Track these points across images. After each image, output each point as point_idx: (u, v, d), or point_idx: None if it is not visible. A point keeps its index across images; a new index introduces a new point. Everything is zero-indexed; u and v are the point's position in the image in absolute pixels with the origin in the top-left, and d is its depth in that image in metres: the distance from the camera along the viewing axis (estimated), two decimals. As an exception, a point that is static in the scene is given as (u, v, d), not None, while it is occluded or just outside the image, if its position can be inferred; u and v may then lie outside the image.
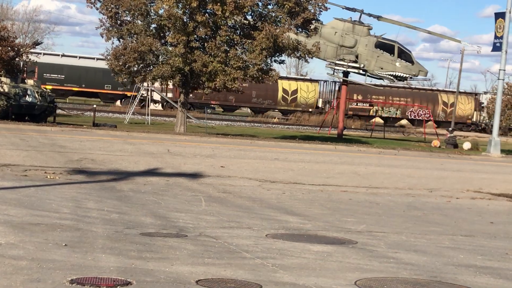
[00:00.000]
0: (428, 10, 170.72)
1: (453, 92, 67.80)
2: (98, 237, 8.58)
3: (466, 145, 39.30)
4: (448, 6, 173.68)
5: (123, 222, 9.80)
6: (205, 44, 29.48)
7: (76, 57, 62.87)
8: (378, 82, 53.47)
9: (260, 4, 30.23)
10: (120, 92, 61.32)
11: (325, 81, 68.98)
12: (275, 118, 64.11)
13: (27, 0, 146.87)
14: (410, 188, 17.33)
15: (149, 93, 50.18)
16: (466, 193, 17.42)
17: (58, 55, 63.09)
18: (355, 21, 42.08)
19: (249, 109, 68.96)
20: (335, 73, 43.81)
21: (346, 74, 43.04)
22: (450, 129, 44.58)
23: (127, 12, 29.79)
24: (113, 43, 30.44)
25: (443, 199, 16.10)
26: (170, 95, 59.07)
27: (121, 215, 10.34)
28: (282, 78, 58.02)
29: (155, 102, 60.65)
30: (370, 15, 41.95)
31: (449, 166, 24.23)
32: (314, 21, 31.78)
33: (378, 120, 63.22)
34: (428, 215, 13.35)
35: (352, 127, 60.44)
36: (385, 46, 42.49)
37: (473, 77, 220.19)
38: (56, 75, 61.06)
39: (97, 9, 30.07)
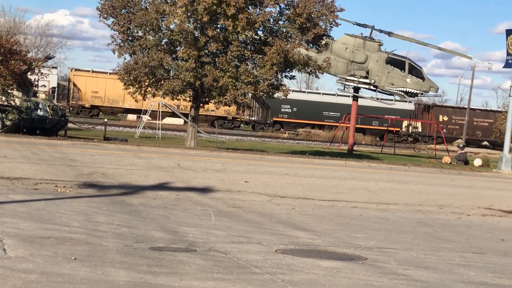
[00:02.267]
0: (440, 27, 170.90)
1: None
2: (108, 251, 8.58)
3: (477, 162, 39.16)
4: (460, 22, 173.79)
5: (133, 236, 9.81)
6: (216, 59, 29.56)
7: (334, 94, 66.11)
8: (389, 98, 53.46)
9: (271, 19, 30.31)
10: (384, 128, 63.82)
11: None
12: (285, 133, 64.16)
13: (40, 15, 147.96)
14: (420, 204, 17.27)
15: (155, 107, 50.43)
16: (477, 209, 17.35)
17: (319, 93, 69.57)
18: (366, 37, 42.08)
19: (487, 143, 71.30)
20: (345, 89, 43.79)
21: (356, 89, 43.01)
22: (461, 145, 44.43)
23: (139, 28, 29.92)
24: (125, 58, 30.60)
25: (453, 215, 16.03)
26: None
27: (131, 229, 10.34)
28: None
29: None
30: (381, 31, 41.95)
31: (460, 182, 24.15)
32: (325, 36, 31.80)
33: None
34: (438, 231, 13.29)
35: (363, 142, 60.35)
36: (395, 62, 42.44)
37: (485, 94, 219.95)
38: (334, 112, 65.11)
39: (108, 26, 30.24)
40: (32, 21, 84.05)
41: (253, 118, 69.88)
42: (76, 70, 63.69)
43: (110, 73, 57.43)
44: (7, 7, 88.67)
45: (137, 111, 62.36)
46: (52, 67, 63.04)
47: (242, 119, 67.43)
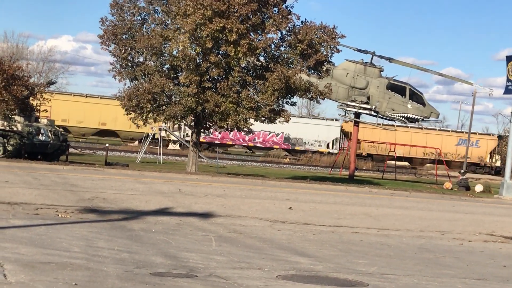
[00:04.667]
0: (442, 53, 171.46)
1: None
2: (108, 276, 8.55)
3: (478, 188, 39.11)
4: (462, 49, 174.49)
5: (134, 261, 9.78)
6: (218, 85, 29.69)
7: None
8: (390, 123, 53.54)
9: (272, 45, 30.48)
10: None
11: None
12: (286, 158, 64.18)
13: (43, 40, 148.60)
14: (421, 230, 17.22)
15: (162, 132, 50.73)
16: (478, 236, 17.29)
17: None
18: (366, 63, 42.26)
19: None
20: (346, 114, 43.91)
21: (357, 115, 43.13)
22: (462, 171, 44.41)
23: (141, 53, 30.10)
24: (125, 84, 30.74)
25: (455, 241, 15.98)
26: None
27: (131, 255, 10.32)
28: None
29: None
30: (381, 57, 42.14)
31: (461, 208, 24.10)
32: (326, 62, 31.96)
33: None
34: (440, 257, 13.25)
35: (364, 168, 60.33)
36: (396, 88, 42.59)
37: (486, 120, 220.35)
38: None
39: (110, 52, 30.41)
40: (35, 46, 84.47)
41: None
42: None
43: (381, 124, 62.90)
44: (10, 33, 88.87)
45: (404, 159, 66.05)
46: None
47: (492, 165, 68.17)
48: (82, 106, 61.41)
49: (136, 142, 63.79)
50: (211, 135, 62.60)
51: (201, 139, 62.06)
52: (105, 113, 62.05)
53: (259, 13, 29.25)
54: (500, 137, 71.14)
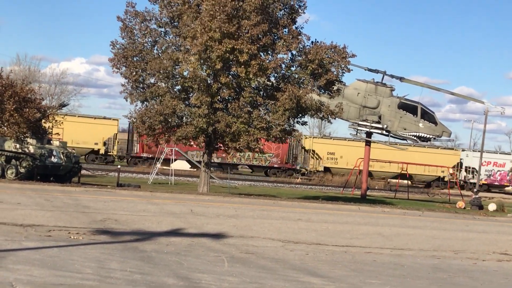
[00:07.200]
0: (455, 72, 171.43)
1: None
2: (120, 298, 8.54)
3: (492, 207, 38.88)
4: (474, 67, 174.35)
5: (146, 282, 9.77)
6: (229, 105, 29.74)
7: None
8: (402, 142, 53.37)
9: (283, 66, 30.53)
10: None
11: None
12: (298, 178, 64.07)
13: (56, 63, 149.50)
14: (435, 250, 17.13)
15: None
16: (492, 255, 17.18)
17: None
18: (377, 82, 42.26)
19: None
20: (358, 134, 43.84)
21: (369, 134, 43.08)
22: (475, 190, 44.17)
23: (151, 75, 30.22)
24: (136, 105, 30.83)
25: (469, 261, 15.88)
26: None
27: (143, 276, 10.31)
28: None
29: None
30: (392, 76, 42.13)
31: (475, 227, 23.96)
32: (337, 82, 31.96)
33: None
34: (453, 277, 13.16)
35: (376, 187, 60.12)
36: (408, 107, 42.54)
37: (499, 138, 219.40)
38: None
39: (121, 74, 30.56)
40: (47, 69, 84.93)
41: None
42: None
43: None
44: (22, 56, 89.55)
45: None
46: None
47: None
48: (382, 152, 61.63)
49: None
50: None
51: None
52: (406, 158, 63.93)
53: (269, 34, 29.36)
54: None
